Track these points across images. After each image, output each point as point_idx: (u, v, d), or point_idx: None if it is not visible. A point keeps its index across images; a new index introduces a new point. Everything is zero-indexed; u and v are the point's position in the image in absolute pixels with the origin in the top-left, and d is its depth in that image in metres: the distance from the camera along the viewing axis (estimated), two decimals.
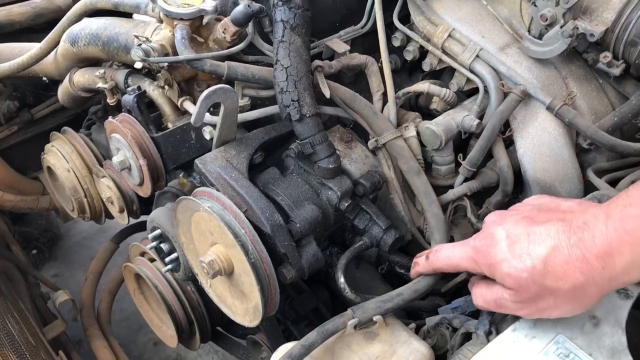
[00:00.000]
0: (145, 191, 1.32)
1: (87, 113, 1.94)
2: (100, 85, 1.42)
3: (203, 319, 1.71)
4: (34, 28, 1.93)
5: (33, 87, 2.09)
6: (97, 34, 1.37)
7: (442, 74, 1.43)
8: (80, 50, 1.43)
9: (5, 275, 2.02)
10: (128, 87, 1.42)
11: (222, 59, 1.24)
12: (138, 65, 1.29)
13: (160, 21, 1.33)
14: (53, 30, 1.53)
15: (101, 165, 1.79)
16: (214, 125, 1.26)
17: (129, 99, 1.30)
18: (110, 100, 1.44)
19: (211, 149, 1.38)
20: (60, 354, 1.77)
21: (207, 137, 1.31)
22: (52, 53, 1.59)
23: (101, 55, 1.42)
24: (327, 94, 1.24)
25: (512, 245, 0.76)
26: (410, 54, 1.42)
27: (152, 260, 1.79)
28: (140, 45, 1.20)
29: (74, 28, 1.44)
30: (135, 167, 1.28)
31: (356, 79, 1.44)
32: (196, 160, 1.21)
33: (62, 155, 1.80)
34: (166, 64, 1.24)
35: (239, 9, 1.21)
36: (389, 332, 1.07)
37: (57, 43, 1.55)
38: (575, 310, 0.80)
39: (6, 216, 2.35)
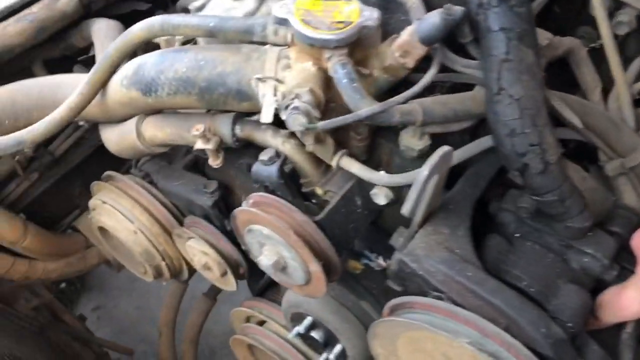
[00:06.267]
0: (315, 292, 0.93)
1: None
2: (201, 145, 0.98)
3: None
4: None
5: None
6: (189, 79, 0.92)
7: None
8: (160, 101, 0.98)
9: None
10: (237, 140, 1.00)
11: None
12: (268, 119, 0.87)
13: (285, 44, 0.89)
14: (97, 68, 1.07)
15: (179, 221, 1.37)
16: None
17: (269, 172, 0.89)
18: (216, 162, 1.02)
19: (381, 212, 1.00)
20: None
21: (383, 201, 0.92)
22: None
23: (195, 106, 0.98)
24: (579, 123, 0.85)
25: None
26: (624, 26, 1.01)
27: (260, 323, 1.43)
28: (294, 106, 0.77)
29: (142, 70, 0.98)
30: (298, 268, 0.89)
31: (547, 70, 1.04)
32: (401, 257, 0.83)
33: (122, 213, 1.38)
34: None
35: (432, 22, 0.78)
36: None
37: (105, 83, 1.09)
38: None
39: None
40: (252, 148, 1.21)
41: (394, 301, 0.86)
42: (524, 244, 0.89)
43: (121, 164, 1.67)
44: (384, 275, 1.08)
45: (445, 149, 0.75)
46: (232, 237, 1.30)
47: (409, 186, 0.91)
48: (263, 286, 1.46)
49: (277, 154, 0.90)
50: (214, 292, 1.79)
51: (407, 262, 0.82)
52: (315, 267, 0.85)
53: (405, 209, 0.76)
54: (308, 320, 1.10)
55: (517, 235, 0.91)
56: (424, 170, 0.73)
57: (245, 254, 1.30)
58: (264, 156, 0.90)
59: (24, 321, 1.64)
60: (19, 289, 1.77)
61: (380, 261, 0.97)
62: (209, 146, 0.98)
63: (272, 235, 0.87)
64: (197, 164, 1.38)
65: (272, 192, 0.91)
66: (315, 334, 1.12)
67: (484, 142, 0.89)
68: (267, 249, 0.91)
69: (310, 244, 0.86)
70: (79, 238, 1.74)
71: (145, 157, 1.47)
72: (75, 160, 1.71)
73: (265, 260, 0.90)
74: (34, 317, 1.73)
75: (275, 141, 0.96)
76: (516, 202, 0.89)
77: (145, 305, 2.56)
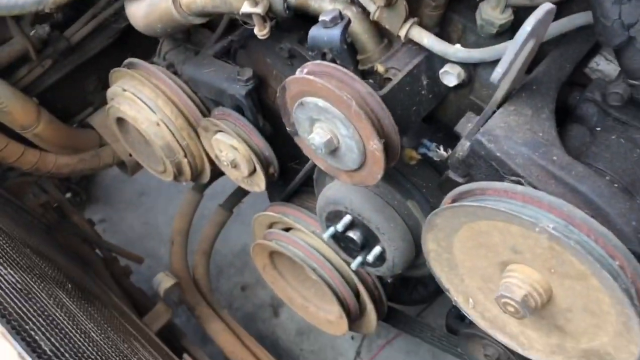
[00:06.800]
0: (368, 177, 0.84)
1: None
2: (248, 9, 0.87)
3: (377, 292, 1.31)
4: None
5: None
6: None
7: None
8: None
9: (81, 262, 1.56)
10: (288, 7, 0.89)
11: None
12: None
13: None
14: None
15: (205, 116, 1.27)
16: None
17: (331, 36, 0.78)
18: (262, 32, 0.91)
19: (447, 97, 0.90)
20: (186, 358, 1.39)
21: (453, 82, 0.82)
22: None
23: None
24: None
25: None
26: None
27: (286, 229, 1.35)
28: None
29: None
30: (354, 147, 0.79)
31: None
32: (480, 137, 0.74)
33: (144, 103, 1.27)
34: None
35: None
36: None
37: None
38: None
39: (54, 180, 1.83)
40: (293, 32, 1.11)
41: (460, 188, 0.77)
42: (608, 138, 0.80)
43: None
44: (436, 171, 1.00)
45: (549, 5, 0.65)
46: (265, 134, 1.21)
47: (483, 65, 0.82)
48: (288, 193, 1.37)
49: (341, 15, 0.79)
50: (230, 204, 1.70)
51: (484, 142, 0.73)
52: (375, 145, 0.76)
53: (497, 73, 0.66)
54: (347, 219, 1.02)
55: (599, 129, 0.81)
56: (527, 25, 0.63)
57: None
58: (325, 16, 0.79)
59: (32, 216, 1.56)
60: (26, 182, 1.68)
61: (441, 150, 0.88)
62: (257, 10, 0.87)
63: (329, 108, 0.77)
64: (228, 53, 1.27)
65: (332, 61, 0.81)
66: (352, 234, 1.04)
67: (576, 19, 0.79)
68: (319, 126, 0.81)
69: (371, 120, 0.76)
70: (93, 134, 1.63)
71: (169, 46, 1.36)
72: (92, 51, 1.59)
73: (316, 138, 0.80)
74: (42, 214, 1.65)
75: (348, 12, 0.85)
76: (606, 89, 0.79)
77: (152, 221, 2.49)
